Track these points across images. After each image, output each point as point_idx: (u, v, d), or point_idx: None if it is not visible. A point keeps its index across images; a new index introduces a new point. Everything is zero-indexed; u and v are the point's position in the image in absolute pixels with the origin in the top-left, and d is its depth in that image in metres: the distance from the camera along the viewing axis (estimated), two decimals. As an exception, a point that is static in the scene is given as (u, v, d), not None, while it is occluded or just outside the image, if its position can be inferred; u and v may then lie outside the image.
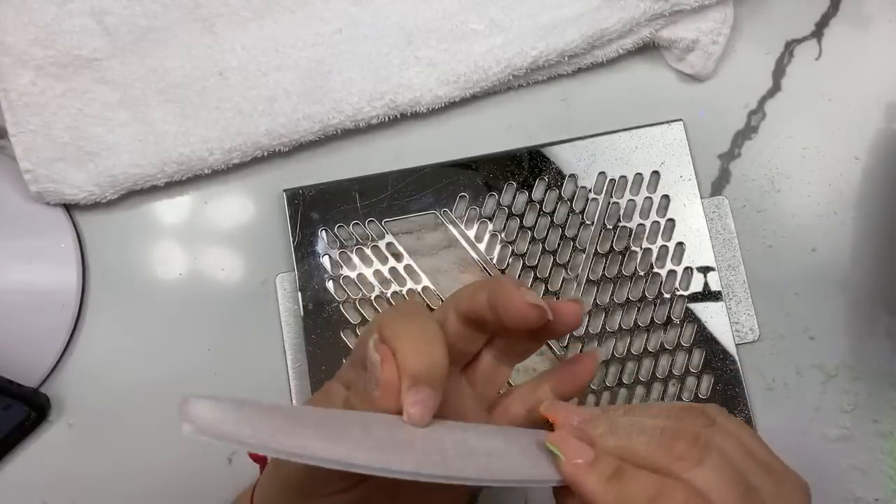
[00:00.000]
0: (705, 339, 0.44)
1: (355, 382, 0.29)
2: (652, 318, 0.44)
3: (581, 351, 0.44)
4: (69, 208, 0.46)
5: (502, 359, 0.31)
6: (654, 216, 0.45)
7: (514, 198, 0.46)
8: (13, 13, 0.44)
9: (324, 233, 0.45)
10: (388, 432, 0.24)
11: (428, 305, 0.44)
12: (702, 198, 0.46)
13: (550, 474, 0.25)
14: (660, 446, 0.24)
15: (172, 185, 0.46)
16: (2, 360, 0.43)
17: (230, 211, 0.47)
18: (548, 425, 0.28)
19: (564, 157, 0.46)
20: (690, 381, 0.44)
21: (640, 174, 0.46)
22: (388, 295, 0.44)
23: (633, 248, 0.45)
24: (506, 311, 0.27)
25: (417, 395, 0.25)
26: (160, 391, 0.44)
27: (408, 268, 0.45)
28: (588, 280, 0.45)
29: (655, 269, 0.45)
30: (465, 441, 0.25)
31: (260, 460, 0.34)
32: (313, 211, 0.45)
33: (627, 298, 0.44)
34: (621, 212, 0.45)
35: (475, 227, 0.45)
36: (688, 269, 0.45)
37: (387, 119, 0.46)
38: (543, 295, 0.45)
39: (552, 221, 0.45)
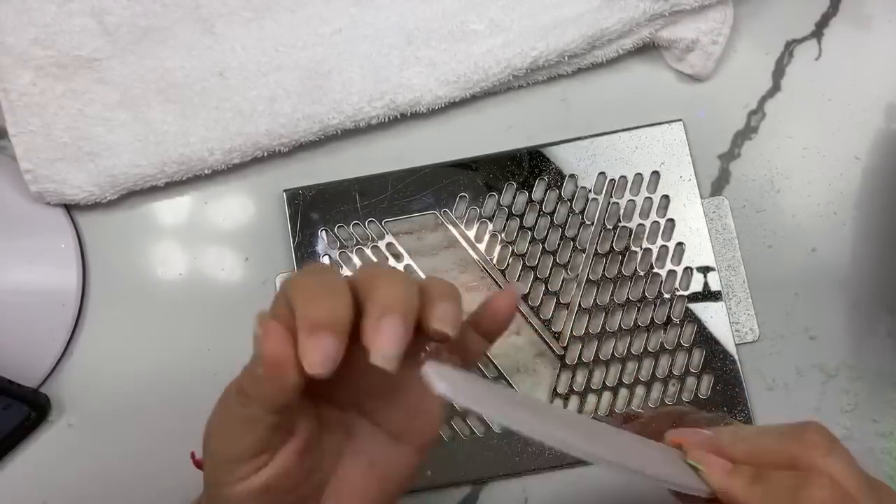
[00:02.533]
0: (705, 339, 0.44)
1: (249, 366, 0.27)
2: (652, 318, 0.44)
3: (581, 349, 0.44)
4: (69, 208, 0.46)
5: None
6: (654, 216, 0.45)
7: (514, 198, 0.46)
8: (13, 13, 0.44)
9: (324, 233, 0.45)
10: (580, 425, 0.26)
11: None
12: (702, 198, 0.46)
13: (697, 484, 0.27)
14: (791, 439, 0.26)
15: (172, 186, 0.46)
16: (2, 360, 0.43)
17: (230, 211, 0.47)
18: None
19: (564, 157, 0.46)
20: (690, 381, 0.44)
21: (640, 174, 0.46)
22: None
23: (633, 249, 0.45)
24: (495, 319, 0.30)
25: (317, 341, 0.23)
26: (160, 391, 0.44)
27: (408, 268, 0.45)
28: (588, 280, 0.45)
29: (655, 270, 0.45)
30: (634, 442, 0.27)
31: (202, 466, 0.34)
32: (313, 211, 0.45)
33: (627, 298, 0.44)
34: (621, 212, 0.45)
35: (475, 227, 0.45)
36: (688, 269, 0.45)
37: (387, 119, 0.46)
38: (543, 294, 0.45)
39: (552, 221, 0.45)
